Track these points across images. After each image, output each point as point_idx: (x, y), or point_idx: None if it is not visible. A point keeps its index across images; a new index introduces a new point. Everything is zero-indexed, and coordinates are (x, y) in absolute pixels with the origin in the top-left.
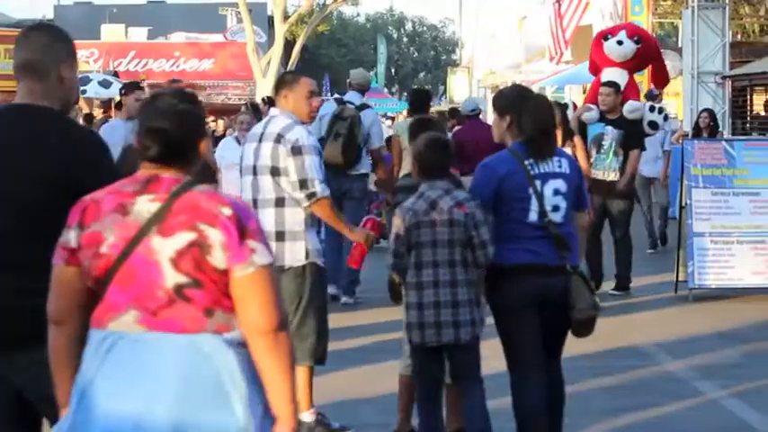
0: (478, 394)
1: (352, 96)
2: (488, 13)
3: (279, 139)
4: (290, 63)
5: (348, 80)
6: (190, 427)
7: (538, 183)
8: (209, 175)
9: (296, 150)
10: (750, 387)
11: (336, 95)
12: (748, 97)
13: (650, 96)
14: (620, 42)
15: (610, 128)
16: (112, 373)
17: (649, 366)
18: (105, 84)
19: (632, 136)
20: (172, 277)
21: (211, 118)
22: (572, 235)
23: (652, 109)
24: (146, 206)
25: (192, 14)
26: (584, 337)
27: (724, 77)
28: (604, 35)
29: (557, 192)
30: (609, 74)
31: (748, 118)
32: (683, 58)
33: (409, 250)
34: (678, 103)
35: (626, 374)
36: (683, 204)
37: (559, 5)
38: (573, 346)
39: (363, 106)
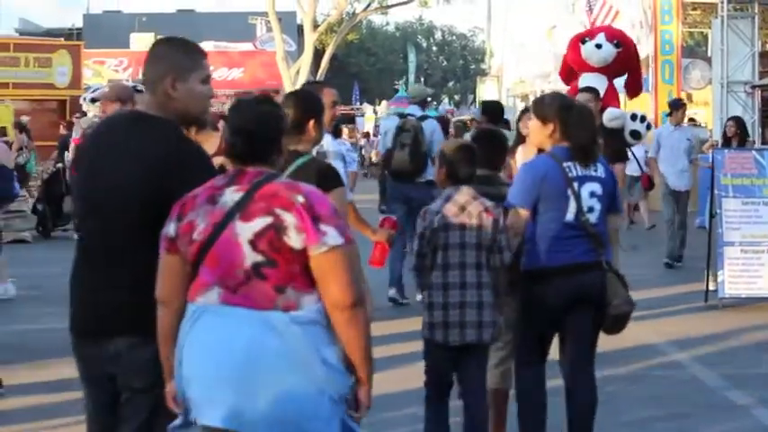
0: (481, 395)
1: (412, 110)
2: (517, 23)
3: None
4: (320, 72)
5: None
6: (253, 392)
7: (576, 185)
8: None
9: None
10: None
11: (398, 111)
12: None
13: (674, 105)
14: (599, 46)
15: None
16: (196, 340)
17: (680, 375)
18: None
19: (613, 147)
20: (251, 257)
21: None
22: (606, 234)
23: (634, 117)
24: (230, 196)
25: (221, 23)
26: (615, 334)
27: (753, 87)
28: (581, 38)
29: (592, 194)
30: (587, 80)
31: None
32: (713, 67)
33: (434, 251)
34: (707, 113)
35: (656, 383)
36: (713, 214)
37: (591, 12)
38: (601, 355)
39: (424, 117)
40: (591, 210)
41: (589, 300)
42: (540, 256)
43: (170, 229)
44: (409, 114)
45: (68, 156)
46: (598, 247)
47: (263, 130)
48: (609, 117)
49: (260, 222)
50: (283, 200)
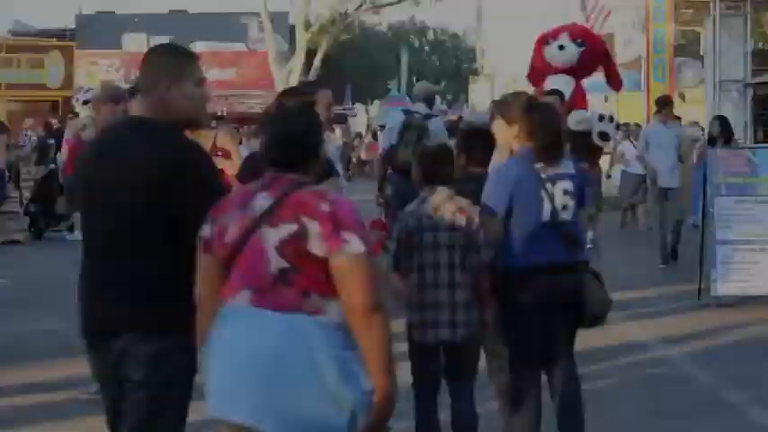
0: (468, 396)
1: (418, 107)
2: (508, 23)
3: None
4: (312, 72)
5: (413, 94)
6: (274, 391)
7: (548, 185)
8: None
9: None
10: None
11: (404, 108)
12: None
13: (661, 102)
14: (561, 47)
15: None
16: (224, 340)
17: (673, 374)
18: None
19: (579, 151)
20: (276, 262)
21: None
22: (581, 231)
23: (601, 118)
24: (260, 202)
25: (214, 24)
26: (590, 329)
27: (746, 85)
28: (545, 39)
29: (565, 192)
30: (553, 82)
31: None
32: (705, 66)
33: (411, 252)
34: (700, 112)
35: (649, 382)
36: (706, 212)
37: (585, 10)
38: (594, 352)
39: (429, 116)
40: (565, 208)
41: (566, 299)
42: (517, 258)
43: (206, 230)
44: (415, 112)
45: (60, 157)
46: (574, 246)
47: (303, 138)
48: (575, 120)
49: (285, 229)
50: (310, 208)
